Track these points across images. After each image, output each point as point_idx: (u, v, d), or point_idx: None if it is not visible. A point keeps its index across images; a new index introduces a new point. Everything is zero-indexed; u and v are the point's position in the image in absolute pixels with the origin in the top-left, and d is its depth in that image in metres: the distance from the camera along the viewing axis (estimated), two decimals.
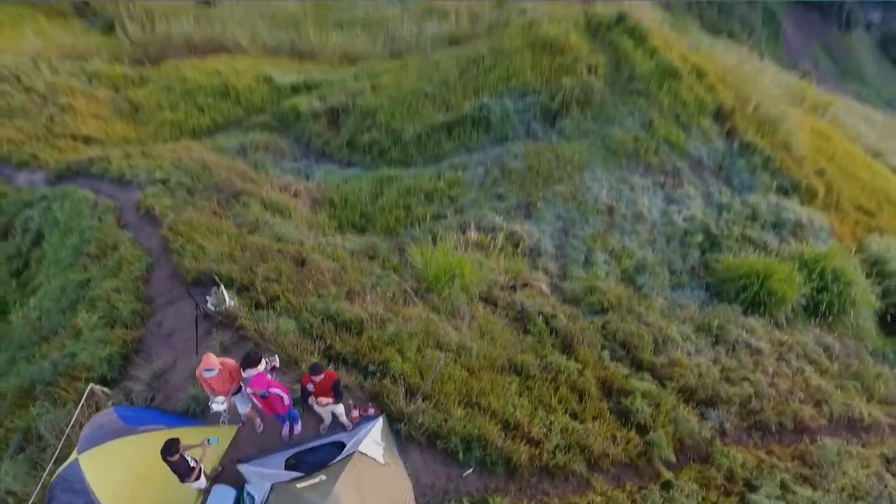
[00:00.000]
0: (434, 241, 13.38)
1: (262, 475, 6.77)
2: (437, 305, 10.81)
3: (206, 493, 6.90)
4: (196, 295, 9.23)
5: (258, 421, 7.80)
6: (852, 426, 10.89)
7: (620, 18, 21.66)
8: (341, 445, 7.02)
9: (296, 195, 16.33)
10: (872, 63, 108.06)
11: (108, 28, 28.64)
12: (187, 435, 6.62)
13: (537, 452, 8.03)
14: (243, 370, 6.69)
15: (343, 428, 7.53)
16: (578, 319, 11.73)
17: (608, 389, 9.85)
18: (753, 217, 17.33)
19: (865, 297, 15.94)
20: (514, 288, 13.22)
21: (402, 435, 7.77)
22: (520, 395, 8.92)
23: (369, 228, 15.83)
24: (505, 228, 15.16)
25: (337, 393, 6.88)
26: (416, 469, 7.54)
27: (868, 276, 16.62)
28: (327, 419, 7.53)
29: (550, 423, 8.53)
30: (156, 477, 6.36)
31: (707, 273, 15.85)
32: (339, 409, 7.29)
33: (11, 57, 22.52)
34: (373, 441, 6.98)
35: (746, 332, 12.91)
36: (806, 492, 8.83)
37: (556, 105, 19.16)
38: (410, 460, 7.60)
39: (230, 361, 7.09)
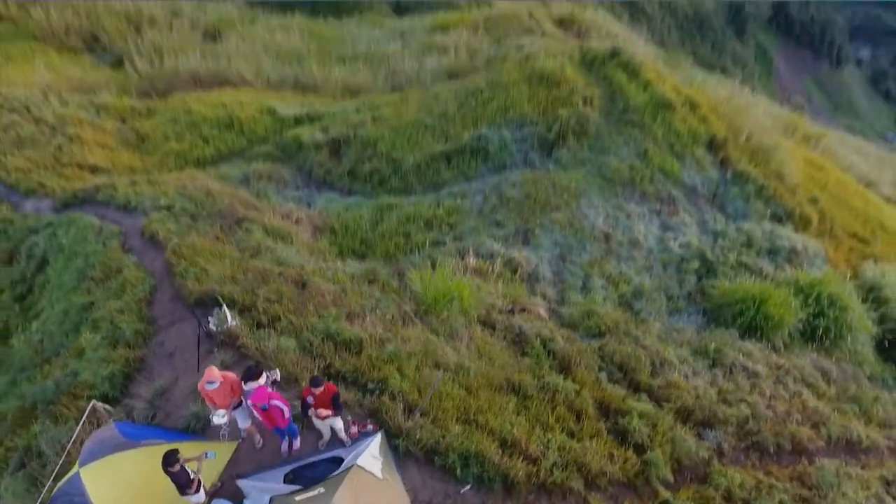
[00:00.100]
0: (433, 266, 13.59)
1: (261, 489, 6.82)
2: (436, 327, 10.95)
3: None
4: (199, 315, 9.38)
5: (258, 437, 7.88)
6: (851, 448, 10.89)
7: (614, 53, 22.34)
8: (339, 461, 7.09)
9: (297, 222, 16.61)
10: (864, 98, 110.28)
11: (117, 63, 29.47)
12: (186, 448, 6.69)
13: (535, 470, 8.07)
14: (244, 383, 6.82)
15: (342, 444, 7.60)
16: (576, 342, 11.86)
17: (605, 410, 9.92)
18: (748, 244, 17.55)
19: (862, 322, 16.05)
20: (512, 312, 13.37)
21: (400, 451, 7.83)
22: (517, 414, 9.00)
23: (369, 255, 16.05)
24: (503, 255, 15.36)
25: (336, 405, 6.99)
26: (414, 485, 7.58)
27: (864, 301, 16.75)
28: (326, 435, 7.62)
29: (548, 441, 8.59)
30: (155, 490, 6.42)
31: (704, 299, 16.00)
32: (339, 423, 7.38)
33: (23, 89, 23.15)
34: (371, 456, 7.05)
35: (743, 355, 12.99)
36: None
37: (553, 135, 19.62)
38: (408, 476, 7.64)
39: (231, 375, 7.22)
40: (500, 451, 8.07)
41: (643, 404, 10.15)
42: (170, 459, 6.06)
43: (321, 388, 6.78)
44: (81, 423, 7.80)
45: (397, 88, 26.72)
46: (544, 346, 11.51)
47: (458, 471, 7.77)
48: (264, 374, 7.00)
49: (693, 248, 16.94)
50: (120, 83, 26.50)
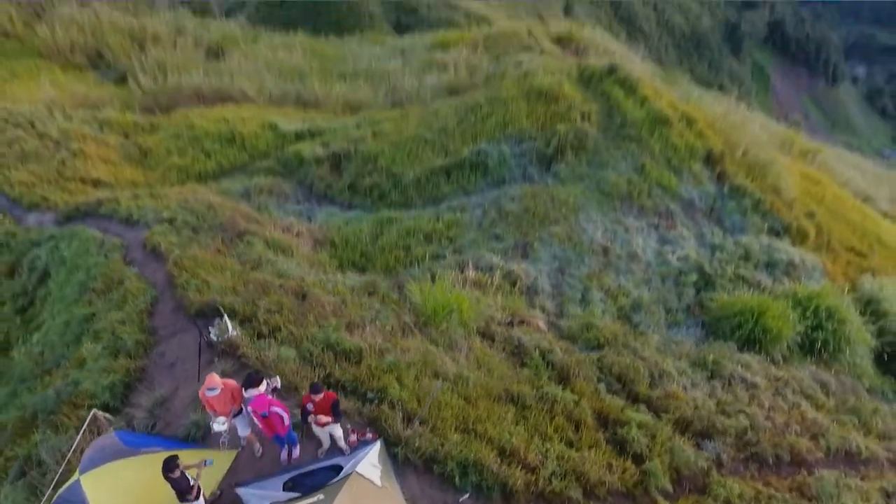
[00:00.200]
0: (433, 279, 13.68)
1: (261, 497, 6.85)
2: (435, 338, 11.02)
3: None
4: (200, 325, 9.45)
5: (257, 445, 7.92)
6: (850, 460, 10.89)
7: (612, 70, 22.65)
8: (339, 469, 7.11)
9: (298, 235, 16.73)
10: (860, 114, 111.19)
11: (121, 80, 29.86)
12: (186, 456, 6.72)
13: (533, 479, 8.08)
14: (245, 390, 6.88)
15: (341, 452, 7.62)
16: (574, 353, 11.91)
17: (604, 420, 9.94)
18: (746, 257, 17.64)
19: (861, 335, 16.07)
20: (511, 324, 13.42)
21: (399, 459, 7.86)
22: (516, 424, 9.03)
23: (369, 268, 16.15)
24: (502, 268, 15.45)
25: (336, 412, 7.04)
26: (413, 493, 7.59)
27: (862, 314, 16.80)
28: (326, 443, 7.65)
29: (546, 450, 8.61)
30: (155, 497, 6.45)
31: (702, 311, 16.06)
32: (338, 431, 7.42)
33: (28, 105, 23.45)
34: (370, 464, 7.08)
35: (742, 367, 13.03)
36: None
37: (552, 150, 19.83)
38: (407, 484, 7.66)
39: (232, 382, 7.28)
40: (498, 460, 8.10)
41: (642, 415, 10.18)
42: (170, 465, 6.11)
43: (321, 395, 6.85)
44: (82, 431, 7.84)
45: (398, 105, 27.03)
46: (543, 358, 11.56)
47: (457, 479, 7.79)
48: (265, 382, 7.06)
49: (691, 262, 17.03)
50: (123, 99, 26.84)
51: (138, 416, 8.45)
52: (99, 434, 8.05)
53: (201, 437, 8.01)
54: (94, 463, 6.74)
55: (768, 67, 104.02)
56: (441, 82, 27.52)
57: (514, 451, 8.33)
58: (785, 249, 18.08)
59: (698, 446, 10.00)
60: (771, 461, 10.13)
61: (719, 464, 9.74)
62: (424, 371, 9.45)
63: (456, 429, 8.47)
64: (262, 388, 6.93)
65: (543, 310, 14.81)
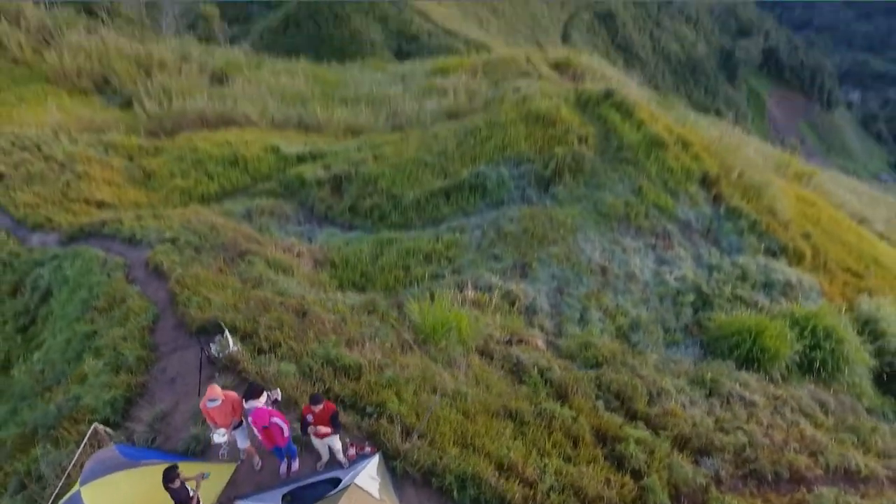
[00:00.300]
0: (432, 298, 13.80)
1: None
2: (434, 355, 11.10)
3: None
4: (201, 341, 9.56)
5: (256, 459, 7.96)
6: (849, 478, 10.85)
7: (608, 94, 23.10)
8: (337, 482, 7.15)
9: (298, 256, 16.90)
10: (856, 139, 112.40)
11: (127, 104, 30.41)
12: (185, 468, 6.77)
13: (531, 493, 8.10)
14: (245, 401, 6.97)
15: (340, 465, 7.67)
16: (573, 371, 11.96)
17: (602, 437, 9.97)
18: (743, 277, 17.77)
19: (859, 354, 16.09)
20: (509, 343, 13.50)
21: (397, 472, 7.89)
22: (514, 439, 9.07)
23: (369, 288, 16.28)
24: (501, 288, 15.58)
25: (335, 424, 7.12)
26: None
27: (860, 334, 16.84)
28: (325, 456, 7.70)
29: (544, 465, 8.63)
30: None
31: (700, 331, 16.13)
32: (337, 444, 7.48)
33: (35, 129, 23.84)
34: (368, 476, 7.12)
35: (740, 385, 13.05)
36: None
37: (550, 172, 20.12)
38: (406, 498, 7.68)
39: (233, 394, 7.37)
40: (496, 474, 8.12)
41: (640, 431, 10.21)
42: (170, 475, 6.16)
43: (321, 406, 6.93)
44: (82, 445, 7.89)
45: (398, 129, 27.46)
46: (541, 375, 11.62)
47: (455, 493, 7.81)
48: (265, 394, 7.15)
49: (689, 282, 17.15)
50: (128, 123, 27.30)
51: (138, 431, 8.50)
52: (99, 448, 8.09)
53: (201, 450, 8.06)
54: (95, 475, 6.80)
55: (764, 93, 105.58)
56: (441, 107, 28.00)
57: (513, 465, 8.36)
58: (782, 270, 18.20)
59: (697, 463, 10.00)
60: (770, 478, 10.11)
61: (718, 480, 9.73)
62: (423, 386, 9.52)
63: (454, 443, 8.52)
64: (263, 399, 7.02)
65: (542, 329, 14.90)
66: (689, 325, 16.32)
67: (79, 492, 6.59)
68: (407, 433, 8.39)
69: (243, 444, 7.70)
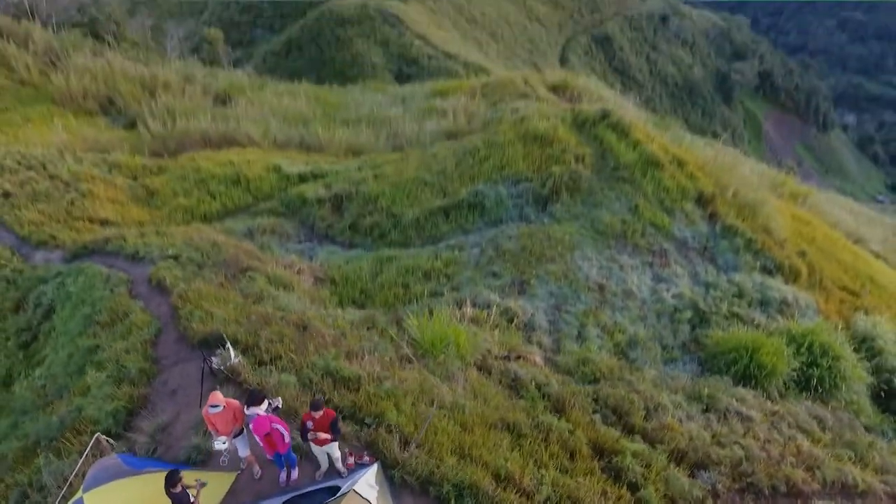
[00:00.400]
0: (431, 315, 13.94)
1: None
2: (433, 369, 11.22)
3: None
4: (204, 353, 9.70)
5: (256, 468, 8.06)
6: (846, 492, 10.89)
7: (604, 115, 23.51)
8: (336, 490, 7.25)
9: (299, 273, 17.08)
10: (853, 161, 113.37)
11: (131, 125, 30.90)
12: (185, 476, 6.86)
13: (528, 503, 8.17)
14: (247, 408, 7.11)
15: (338, 474, 7.78)
16: (570, 385, 12.06)
17: (599, 450, 10.04)
18: (740, 295, 17.93)
19: (856, 372, 16.17)
20: (508, 359, 13.61)
21: (395, 481, 7.98)
22: (511, 451, 9.15)
23: (369, 304, 16.42)
24: (500, 305, 15.71)
25: (335, 430, 7.24)
26: None
27: (857, 352, 16.94)
28: (324, 465, 7.80)
29: (541, 476, 8.71)
30: None
31: (698, 348, 16.24)
32: (336, 452, 7.58)
33: (40, 149, 24.23)
34: (367, 484, 7.21)
35: (737, 401, 13.12)
36: None
37: (547, 191, 20.41)
38: None
39: (235, 402, 7.50)
40: (493, 484, 8.20)
41: (637, 445, 10.29)
42: (172, 480, 6.27)
43: (321, 412, 7.06)
44: (85, 455, 7.99)
45: (398, 149, 27.85)
46: (539, 390, 11.72)
47: (453, 502, 7.88)
48: (266, 401, 7.29)
49: (686, 299, 17.30)
50: (133, 143, 27.70)
51: (140, 441, 8.61)
52: (102, 458, 8.18)
53: (201, 460, 8.16)
54: (97, 482, 6.90)
55: (760, 115, 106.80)
56: (440, 127, 28.43)
57: (510, 476, 8.44)
58: (778, 287, 18.37)
59: (693, 476, 10.06)
60: (767, 492, 10.16)
61: (715, 494, 9.78)
62: (421, 398, 9.64)
63: (452, 453, 8.62)
64: (264, 406, 7.15)
65: (540, 345, 15.00)
66: (687, 342, 16.43)
67: (81, 498, 6.68)
68: (405, 443, 8.50)
69: (244, 452, 7.81)
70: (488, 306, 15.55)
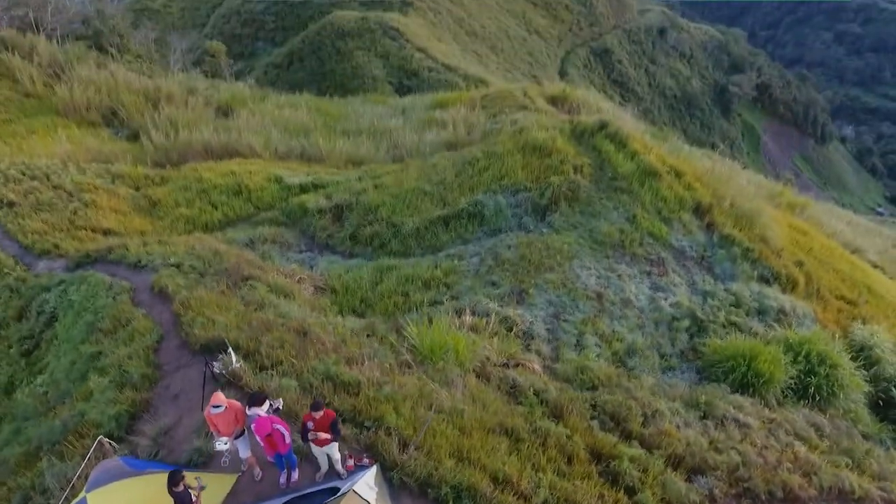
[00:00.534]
0: (430, 323, 14.06)
1: None
2: (432, 375, 11.33)
3: None
4: (206, 358, 9.84)
5: (257, 469, 8.17)
6: (843, 498, 10.95)
7: (602, 125, 23.77)
8: (335, 491, 7.35)
9: (300, 282, 17.22)
10: (852, 173, 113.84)
11: (134, 137, 31.21)
12: (187, 476, 6.97)
13: None
14: (248, 408, 7.23)
15: (338, 476, 7.89)
16: (568, 391, 12.16)
17: (597, 455, 10.13)
18: (737, 304, 18.04)
19: (854, 380, 16.23)
20: (506, 366, 13.71)
21: (394, 483, 8.08)
22: (509, 455, 9.26)
23: (369, 313, 16.54)
24: (499, 313, 15.84)
25: (335, 431, 7.36)
26: None
27: (854, 360, 17.02)
28: (323, 466, 7.91)
29: (539, 479, 8.80)
30: None
31: (696, 356, 16.33)
32: (336, 453, 7.69)
33: (44, 159, 24.48)
34: (366, 485, 7.32)
35: (735, 408, 13.19)
36: None
37: (546, 201, 20.60)
38: None
39: (237, 404, 7.64)
40: (491, 486, 8.30)
41: (634, 450, 10.37)
42: (174, 479, 6.39)
43: (321, 413, 7.19)
44: (87, 458, 8.09)
45: (398, 160, 28.09)
46: (537, 396, 11.82)
47: (451, 503, 7.98)
48: (267, 402, 7.42)
49: (683, 308, 17.42)
50: (135, 154, 27.95)
51: (142, 444, 8.72)
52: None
53: (203, 462, 8.26)
54: (100, 482, 7.01)
55: (759, 127, 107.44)
56: (440, 138, 28.70)
57: (508, 479, 8.54)
58: (775, 296, 18.48)
59: (690, 481, 10.14)
60: (763, 497, 10.23)
61: (712, 499, 9.85)
62: (420, 403, 9.76)
63: (450, 456, 8.72)
64: (265, 407, 7.28)
65: (539, 354, 15.10)
66: (685, 351, 16.53)
67: (85, 498, 6.80)
68: (404, 445, 8.62)
69: (245, 453, 7.93)
70: (487, 315, 15.68)
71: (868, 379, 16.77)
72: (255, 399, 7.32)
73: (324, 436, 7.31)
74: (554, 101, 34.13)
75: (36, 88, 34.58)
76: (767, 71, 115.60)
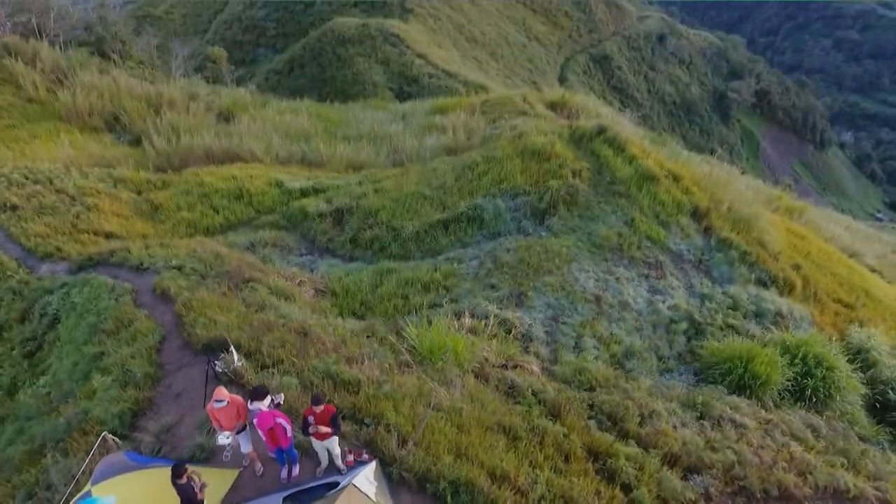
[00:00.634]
0: (429, 324, 14.19)
1: None
2: (431, 375, 11.46)
3: None
4: (208, 357, 9.98)
5: (258, 465, 8.31)
6: (838, 497, 11.04)
7: (601, 130, 23.97)
8: (335, 486, 7.48)
9: (300, 284, 17.36)
10: (851, 179, 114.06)
11: (136, 142, 31.39)
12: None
13: (522, 501, 8.38)
14: (250, 402, 7.37)
15: (338, 471, 8.02)
16: (566, 392, 12.27)
17: (594, 453, 10.25)
18: (735, 307, 18.17)
19: (851, 382, 16.32)
20: (505, 367, 13.83)
21: (393, 478, 8.22)
22: (507, 452, 9.38)
23: (369, 315, 16.67)
24: (498, 316, 15.96)
25: (335, 424, 7.50)
26: None
27: (851, 363, 17.12)
28: (324, 461, 8.04)
29: (536, 476, 8.92)
30: None
31: (694, 359, 16.44)
32: (336, 448, 7.82)
33: (47, 164, 24.67)
34: (366, 479, 7.45)
35: (731, 409, 13.31)
36: None
37: (545, 205, 20.77)
38: (401, 503, 7.96)
39: (239, 399, 7.78)
40: (489, 482, 8.42)
41: (631, 448, 10.49)
42: (178, 471, 6.52)
43: (321, 407, 7.34)
44: (92, 453, 8.22)
45: (398, 164, 28.27)
46: (535, 396, 11.94)
47: (449, 498, 8.10)
48: (268, 397, 7.56)
49: (681, 311, 17.54)
50: (137, 159, 28.13)
51: (146, 441, 8.86)
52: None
53: (205, 458, 8.39)
54: (105, 476, 7.15)
55: (758, 133, 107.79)
56: (440, 143, 28.88)
57: (505, 475, 8.66)
58: (772, 300, 18.60)
59: (686, 479, 10.24)
60: (759, 495, 10.33)
61: (707, 497, 9.95)
62: (419, 401, 9.89)
63: (448, 452, 8.85)
64: (266, 401, 7.42)
65: (538, 356, 15.21)
66: (683, 353, 16.64)
67: (89, 491, 6.93)
68: (403, 441, 8.75)
69: (246, 448, 8.07)
70: (486, 317, 15.80)
71: (865, 381, 16.86)
72: (257, 393, 7.47)
73: (324, 429, 7.44)
74: (553, 106, 34.36)
75: (39, 94, 34.83)
76: (766, 77, 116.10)
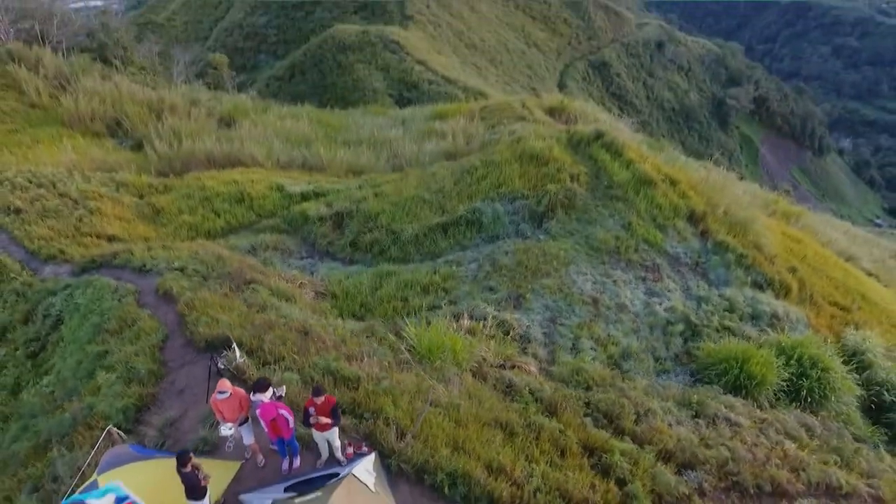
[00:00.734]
0: (428, 325, 14.37)
1: (263, 498, 7.37)
2: (430, 373, 11.64)
3: None
4: (211, 353, 10.18)
5: (260, 457, 8.50)
6: (831, 493, 11.20)
7: (598, 135, 24.23)
8: (336, 476, 7.65)
9: (301, 286, 17.56)
10: (850, 185, 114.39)
11: (138, 147, 31.72)
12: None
13: (518, 493, 8.55)
14: (253, 394, 7.57)
15: (338, 463, 8.20)
16: (562, 390, 12.45)
17: (589, 449, 10.42)
18: (731, 309, 18.34)
19: (846, 383, 16.47)
20: (503, 367, 14.01)
21: (392, 469, 8.40)
22: (504, 446, 9.56)
23: (368, 317, 16.85)
24: (496, 317, 16.15)
25: (335, 416, 7.69)
26: (405, 502, 8.07)
27: (847, 364, 17.27)
28: (324, 453, 8.22)
29: (532, 469, 9.10)
30: (166, 497, 7.00)
31: (690, 360, 16.61)
32: (336, 440, 8.01)
33: (50, 168, 24.95)
34: (365, 469, 7.64)
35: (726, 407, 13.48)
36: None
37: (543, 208, 21.00)
38: (399, 494, 8.14)
39: (241, 391, 7.98)
40: (486, 474, 8.60)
41: (626, 444, 10.66)
42: (183, 459, 6.70)
43: (322, 398, 7.53)
44: (97, 446, 8.40)
45: (398, 169, 28.55)
46: (532, 395, 12.12)
47: (446, 489, 8.28)
48: (270, 389, 7.76)
49: (678, 312, 17.72)
50: (139, 164, 28.45)
51: (150, 435, 9.05)
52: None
53: (208, 450, 8.58)
54: (110, 466, 7.33)
55: (757, 140, 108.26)
56: (439, 148, 29.18)
57: (501, 468, 8.84)
58: (768, 302, 18.78)
59: (680, 474, 10.40)
60: (752, 491, 10.49)
61: (701, 492, 10.12)
62: (418, 396, 10.09)
63: (446, 445, 9.03)
64: (269, 393, 7.62)
65: (535, 357, 15.38)
66: (679, 354, 16.80)
67: (96, 480, 7.11)
68: (402, 434, 8.94)
69: (248, 440, 8.26)
70: (485, 319, 15.99)
71: (860, 383, 17.01)
72: (259, 385, 7.67)
73: (325, 420, 7.62)
74: (552, 112, 34.69)
75: (42, 99, 35.19)
76: (765, 84, 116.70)
